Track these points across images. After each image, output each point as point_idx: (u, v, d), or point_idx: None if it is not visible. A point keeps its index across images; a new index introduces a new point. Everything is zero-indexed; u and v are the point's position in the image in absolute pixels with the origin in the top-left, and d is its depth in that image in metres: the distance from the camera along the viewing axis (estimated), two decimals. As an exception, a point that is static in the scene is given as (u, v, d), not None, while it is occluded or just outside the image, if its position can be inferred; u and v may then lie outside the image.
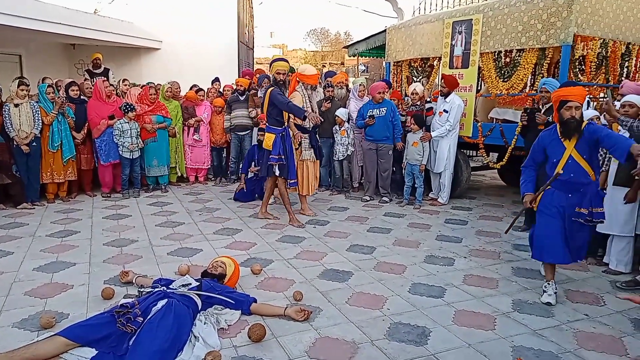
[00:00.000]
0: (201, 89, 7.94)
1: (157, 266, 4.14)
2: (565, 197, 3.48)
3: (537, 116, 4.94)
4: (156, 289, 3.13)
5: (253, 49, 13.98)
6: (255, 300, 3.28)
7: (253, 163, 6.78)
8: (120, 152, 6.59)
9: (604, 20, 5.66)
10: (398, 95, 7.21)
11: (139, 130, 6.77)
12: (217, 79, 8.54)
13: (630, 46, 6.02)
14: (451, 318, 3.24)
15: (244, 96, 7.61)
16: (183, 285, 3.22)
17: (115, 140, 6.54)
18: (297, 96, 5.54)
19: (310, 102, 5.68)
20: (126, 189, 6.85)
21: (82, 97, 6.79)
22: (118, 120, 6.61)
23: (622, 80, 5.93)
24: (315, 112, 5.64)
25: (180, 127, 7.55)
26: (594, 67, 5.82)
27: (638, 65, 6.17)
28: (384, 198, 6.75)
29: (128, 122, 6.62)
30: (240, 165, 7.51)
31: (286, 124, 5.42)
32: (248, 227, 5.39)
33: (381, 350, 2.81)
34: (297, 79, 5.67)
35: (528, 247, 4.78)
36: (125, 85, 7.65)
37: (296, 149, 5.66)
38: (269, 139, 5.35)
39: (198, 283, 3.26)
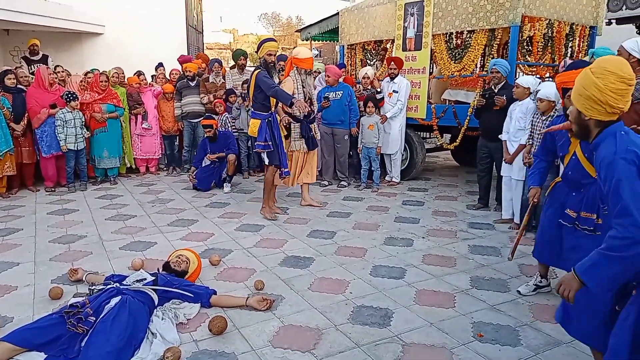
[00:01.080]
0: (143, 73, 7.57)
1: (109, 262, 3.95)
2: (565, 194, 3.03)
3: (497, 99, 5.00)
4: (108, 286, 2.97)
5: (202, 33, 13.52)
6: (214, 292, 3.18)
7: (207, 155, 6.59)
8: (62, 144, 6.19)
9: (550, 1, 5.81)
10: (351, 81, 7.15)
11: (83, 120, 6.42)
12: (160, 64, 8.18)
13: (573, 26, 6.23)
14: (412, 298, 3.27)
15: (195, 82, 7.35)
16: (137, 281, 3.08)
17: (57, 131, 6.16)
18: (288, 82, 5.20)
19: (304, 87, 5.31)
20: (72, 183, 6.50)
21: (19, 86, 6.33)
22: (60, 109, 6.23)
23: (566, 60, 6.15)
24: (312, 99, 5.36)
25: (127, 115, 7.22)
26: (541, 47, 5.99)
27: (581, 45, 6.40)
28: (342, 182, 6.75)
29: (71, 112, 6.26)
30: (194, 153, 7.29)
31: (273, 109, 5.07)
32: (204, 217, 5.24)
33: (345, 335, 2.80)
34: (292, 62, 5.31)
35: (482, 225, 4.94)
36: (59, 72, 7.00)
37: (285, 137, 5.29)
38: (254, 125, 5.01)
39: (154, 278, 3.13)
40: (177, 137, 7.74)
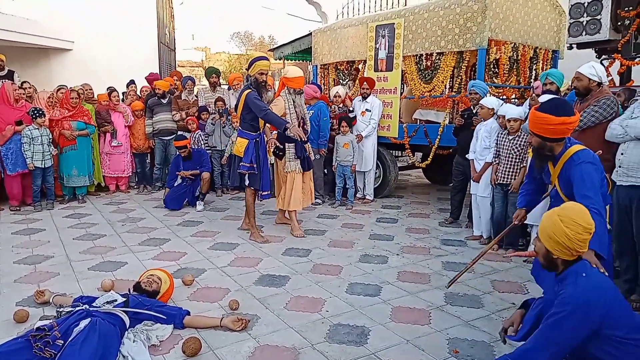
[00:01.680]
0: (115, 90, 7.48)
1: (77, 283, 3.82)
2: None
3: (475, 120, 5.15)
4: (77, 308, 2.87)
5: (175, 51, 13.46)
6: (188, 313, 3.11)
7: (181, 172, 6.52)
8: (29, 162, 6.00)
9: (514, 26, 6.06)
10: (326, 99, 7.23)
11: (50, 137, 6.26)
12: (132, 82, 8.10)
13: (537, 50, 6.50)
14: (388, 315, 3.29)
15: (167, 99, 7.29)
16: (108, 302, 2.98)
17: (23, 149, 5.97)
18: (279, 103, 5.07)
19: (295, 107, 5.19)
20: (38, 201, 6.30)
21: (-18, 101, 6.13)
22: (26, 126, 6.06)
23: (531, 82, 6.40)
24: (304, 119, 5.25)
25: (95, 133, 7.08)
26: (507, 69, 6.22)
27: (544, 68, 6.67)
28: (316, 200, 6.76)
29: (38, 129, 6.09)
30: (166, 171, 7.19)
31: (262, 129, 4.96)
32: (177, 236, 5.15)
33: (322, 354, 2.78)
34: (282, 82, 5.23)
35: (455, 242, 5.03)
36: (25, 88, 6.75)
37: (279, 158, 5.23)
38: (240, 145, 4.85)
39: (125, 299, 3.03)
40: (148, 155, 7.62)
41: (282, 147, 5.16)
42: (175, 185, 6.51)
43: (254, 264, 4.30)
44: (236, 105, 4.92)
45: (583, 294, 1.91)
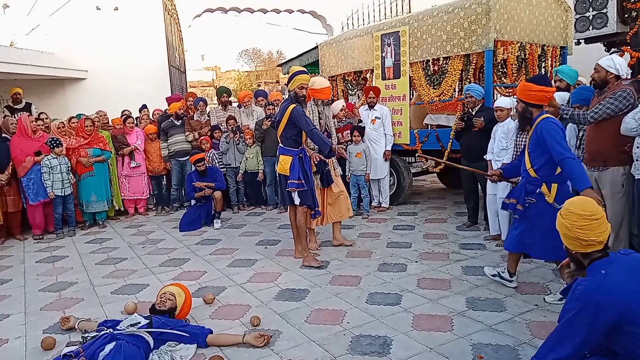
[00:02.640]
0: (130, 116, 7.66)
1: (101, 307, 3.89)
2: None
3: (475, 121, 5.17)
4: (102, 332, 2.93)
5: (185, 73, 13.70)
6: (211, 332, 3.14)
7: (196, 183, 6.59)
8: (50, 191, 6.14)
9: (520, 25, 6.04)
10: (351, 107, 7.24)
11: (69, 165, 6.40)
12: (144, 106, 8.28)
13: (545, 48, 6.46)
14: (410, 324, 3.27)
15: (180, 121, 7.43)
16: (131, 325, 3.03)
17: (43, 178, 6.12)
18: (310, 114, 4.89)
19: (320, 119, 5.00)
20: (60, 229, 6.43)
21: (3, 134, 6.32)
22: (45, 156, 6.22)
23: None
24: (329, 130, 5.14)
25: (113, 157, 7.23)
26: (515, 69, 6.19)
27: (554, 65, 6.62)
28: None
29: (56, 158, 6.25)
30: (183, 192, 7.29)
31: (304, 144, 4.76)
32: (196, 255, 5.20)
33: (345, 366, 2.78)
34: (309, 94, 5.05)
35: (474, 245, 4.98)
36: (42, 119, 7.05)
37: (315, 173, 4.90)
38: (284, 163, 4.62)
39: (148, 320, 3.08)
40: (164, 177, 7.74)
41: (325, 161, 4.97)
42: (190, 207, 6.56)
43: (273, 279, 4.32)
44: (278, 121, 4.67)
45: (594, 294, 1.90)
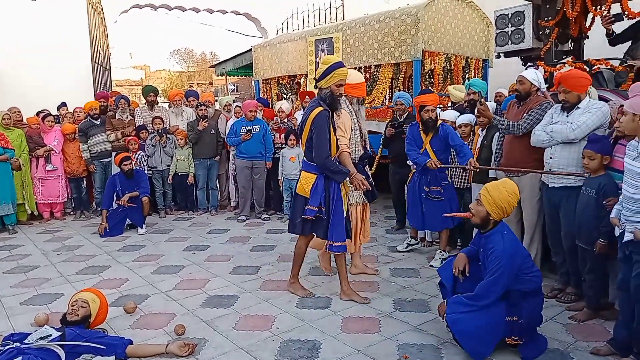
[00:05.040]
0: (50, 114, 7.14)
1: (8, 320, 3.55)
2: (420, 178, 4.62)
3: (405, 128, 5.31)
4: (7, 347, 2.67)
5: (110, 70, 13.02)
6: (131, 342, 2.96)
7: (115, 195, 6.23)
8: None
9: (446, 37, 6.33)
10: (271, 114, 7.18)
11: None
12: (63, 104, 7.75)
13: (468, 60, 6.81)
14: (339, 327, 3.28)
15: (99, 120, 7.01)
16: (41, 338, 2.79)
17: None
18: (344, 117, 3.87)
19: (359, 122, 4.14)
20: (-38, 235, 5.83)
21: None
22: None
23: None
24: (364, 135, 4.18)
25: (26, 158, 6.68)
26: (441, 79, 6.47)
27: (476, 76, 7.00)
28: (264, 215, 6.69)
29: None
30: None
31: (334, 156, 3.66)
32: (117, 262, 4.92)
33: (273, 372, 2.72)
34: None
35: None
36: None
37: (369, 199, 4.23)
38: (306, 182, 3.62)
39: (60, 332, 2.85)
40: (84, 179, 7.26)
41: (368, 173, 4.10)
42: (112, 210, 6.18)
43: (200, 285, 4.18)
44: (301, 130, 3.73)
45: (510, 247, 2.78)
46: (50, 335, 2.83)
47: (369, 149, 4.25)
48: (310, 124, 3.54)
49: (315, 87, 3.69)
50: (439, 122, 4.53)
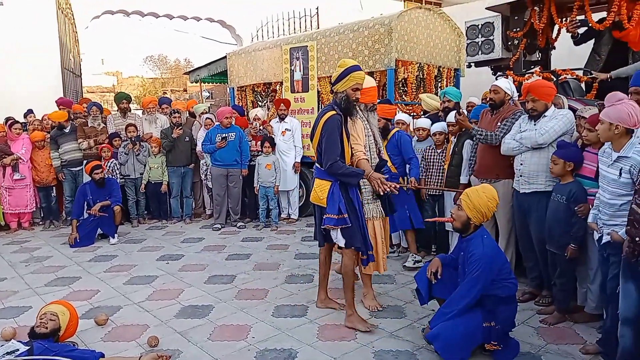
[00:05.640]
0: (17, 122, 6.95)
1: (-29, 335, 3.42)
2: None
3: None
4: (-30, 364, 2.57)
5: (81, 77, 12.76)
6: (102, 355, 2.88)
7: (86, 204, 6.08)
8: None
9: (419, 47, 6.44)
10: (245, 122, 7.14)
11: None
12: (30, 111, 7.56)
13: (440, 69, 6.94)
14: (315, 335, 3.28)
15: (69, 128, 6.85)
16: (8, 353, 2.70)
17: None
18: (357, 123, 3.57)
19: (371, 128, 3.85)
20: None
21: None
22: None
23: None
24: (379, 142, 3.86)
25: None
26: (414, 87, 6.57)
27: (449, 85, 7.13)
28: (240, 224, 6.64)
29: None
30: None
31: (349, 162, 3.43)
32: (88, 273, 4.80)
33: (249, 382, 2.70)
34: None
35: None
36: None
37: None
38: (320, 190, 3.38)
39: (28, 347, 2.76)
40: (54, 188, 7.08)
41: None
42: (82, 219, 6.02)
43: (174, 295, 4.11)
44: (312, 134, 3.49)
45: (490, 251, 2.87)
46: (18, 350, 2.74)
47: (384, 157, 3.93)
48: (320, 129, 3.36)
49: (331, 91, 3.49)
50: (395, 129, 4.81)
